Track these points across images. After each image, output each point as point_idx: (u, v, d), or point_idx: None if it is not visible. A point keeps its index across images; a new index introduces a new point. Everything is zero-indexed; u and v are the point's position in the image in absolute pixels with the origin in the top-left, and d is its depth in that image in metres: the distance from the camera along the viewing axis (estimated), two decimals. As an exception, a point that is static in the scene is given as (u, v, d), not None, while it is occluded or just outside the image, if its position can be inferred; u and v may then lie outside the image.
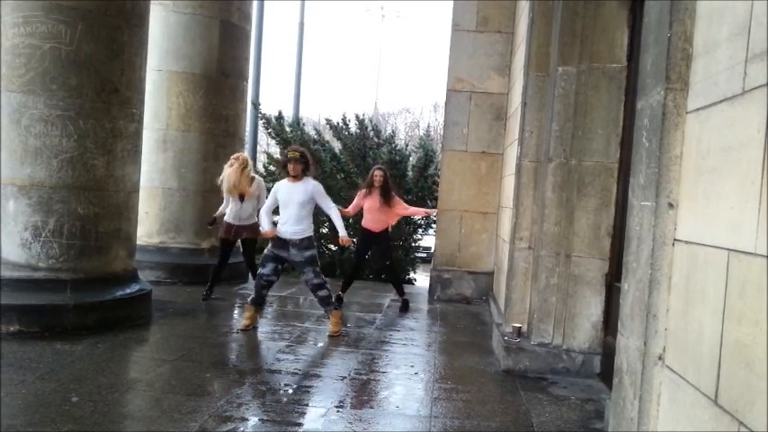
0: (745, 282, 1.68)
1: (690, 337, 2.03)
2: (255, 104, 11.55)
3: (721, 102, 1.92)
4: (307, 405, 3.68)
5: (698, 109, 2.12)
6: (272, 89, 48.39)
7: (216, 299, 6.55)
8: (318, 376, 4.23)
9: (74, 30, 4.81)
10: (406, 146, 11.95)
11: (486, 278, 7.68)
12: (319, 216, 7.80)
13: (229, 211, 6.41)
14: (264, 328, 5.49)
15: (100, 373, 3.91)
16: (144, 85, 5.57)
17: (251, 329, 5.34)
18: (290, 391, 3.91)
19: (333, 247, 10.13)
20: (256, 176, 6.63)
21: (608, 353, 3.93)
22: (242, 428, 3.20)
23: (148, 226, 7.45)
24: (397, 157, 10.27)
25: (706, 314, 1.92)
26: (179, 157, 7.53)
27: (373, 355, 4.86)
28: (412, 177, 10.43)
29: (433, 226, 9.48)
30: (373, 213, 6.52)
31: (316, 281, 5.31)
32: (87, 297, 4.92)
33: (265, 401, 3.69)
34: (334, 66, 64.08)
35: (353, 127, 10.59)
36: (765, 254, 1.58)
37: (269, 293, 5.62)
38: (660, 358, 2.25)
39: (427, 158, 10.55)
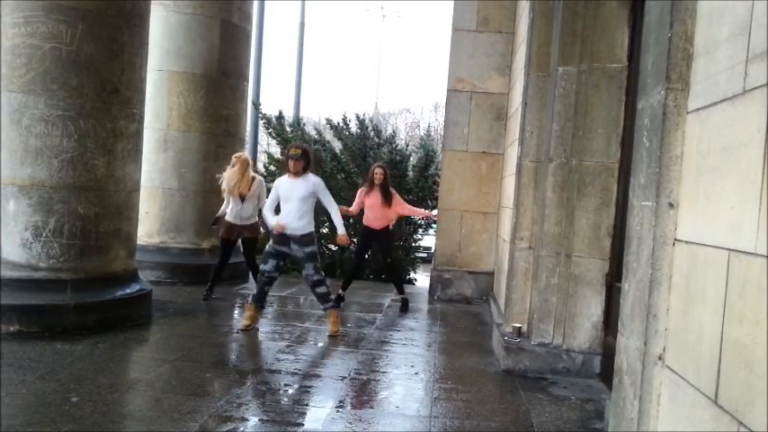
0: (746, 282, 1.68)
1: (690, 337, 2.03)
2: (256, 104, 11.56)
3: (722, 102, 1.92)
4: (307, 405, 3.68)
5: (698, 109, 2.12)
6: (273, 89, 48.35)
7: (216, 299, 6.55)
8: (318, 376, 4.23)
9: (74, 30, 4.81)
10: (407, 146, 11.94)
11: (487, 278, 7.68)
12: (319, 216, 7.80)
13: (230, 210, 6.42)
14: (264, 328, 5.49)
15: (100, 373, 3.91)
16: (144, 85, 5.57)
17: (251, 329, 5.34)
18: (291, 391, 3.91)
19: (333, 248, 10.13)
20: (256, 176, 6.64)
21: (608, 353, 3.93)
22: (242, 428, 3.20)
23: (149, 226, 7.45)
24: (398, 157, 10.27)
25: (706, 314, 1.92)
26: (179, 157, 7.53)
27: (373, 355, 4.86)
28: (412, 177, 10.43)
29: (434, 226, 9.48)
30: (374, 210, 6.54)
31: (315, 277, 5.31)
32: (87, 297, 4.92)
33: (265, 401, 3.69)
34: (335, 66, 64.12)
35: (354, 127, 10.59)
36: (765, 254, 1.58)
37: (269, 293, 5.62)
38: (660, 358, 2.25)
39: (428, 158, 10.55)
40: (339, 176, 9.83)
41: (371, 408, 3.71)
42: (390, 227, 6.91)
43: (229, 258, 6.66)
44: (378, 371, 4.46)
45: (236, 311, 6.34)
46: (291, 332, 5.40)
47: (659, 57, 2.35)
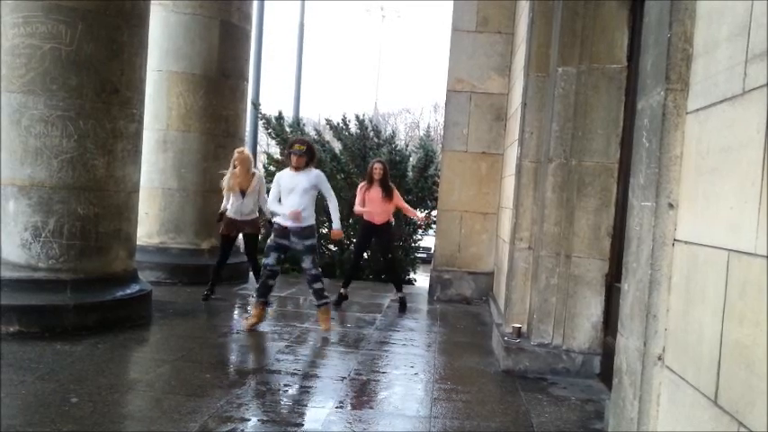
0: (746, 282, 1.68)
1: (690, 338, 2.03)
2: (255, 105, 11.55)
3: (721, 102, 1.92)
4: (307, 405, 3.68)
5: (698, 109, 2.12)
6: (272, 89, 48.45)
7: (216, 299, 6.54)
8: (318, 377, 4.23)
9: (74, 30, 4.81)
10: (407, 146, 11.94)
11: (486, 278, 7.68)
12: (319, 216, 7.80)
13: (230, 206, 6.42)
14: (264, 328, 5.48)
15: (100, 373, 3.91)
16: (144, 86, 5.57)
17: (257, 326, 5.36)
18: (290, 391, 3.91)
19: (333, 247, 10.14)
20: (256, 171, 6.66)
21: (608, 353, 3.93)
22: (242, 428, 3.20)
23: (148, 226, 7.44)
24: (398, 158, 10.27)
25: (706, 315, 1.92)
26: (179, 158, 7.52)
27: (373, 355, 4.85)
28: (412, 178, 10.43)
29: (433, 226, 9.48)
30: (375, 205, 6.56)
31: (313, 271, 5.37)
32: (87, 297, 4.92)
33: (265, 402, 3.69)
34: (334, 66, 64.16)
35: (353, 127, 10.59)
36: (765, 254, 1.58)
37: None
38: (660, 359, 2.25)
39: (427, 159, 10.55)
40: (339, 177, 9.83)
41: (371, 408, 3.71)
42: (391, 222, 6.91)
43: (229, 256, 6.65)
44: (377, 371, 4.46)
45: (235, 312, 6.34)
46: (291, 332, 5.40)
47: (659, 57, 2.35)
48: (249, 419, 3.35)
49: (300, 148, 5.26)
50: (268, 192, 6.27)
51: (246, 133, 9.78)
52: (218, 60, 7.63)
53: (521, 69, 5.76)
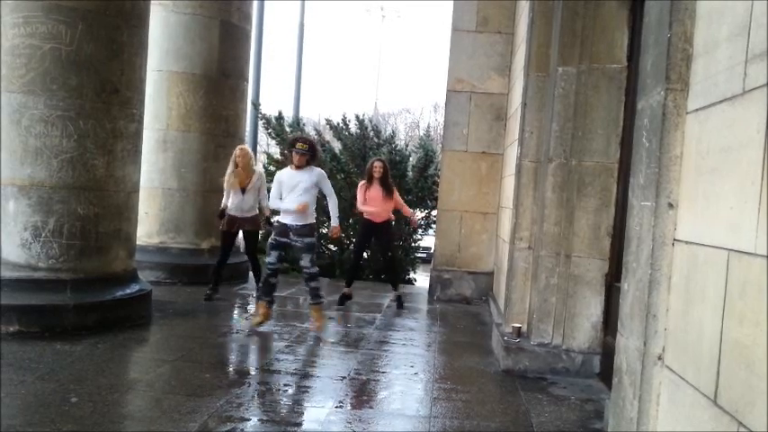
0: (746, 282, 1.68)
1: (690, 338, 2.03)
2: (255, 105, 11.56)
3: (721, 102, 1.92)
4: (306, 405, 3.68)
5: (698, 109, 2.12)
6: (272, 89, 48.43)
7: (216, 299, 6.54)
8: (318, 376, 4.23)
9: (74, 30, 4.81)
10: (406, 146, 11.94)
11: (486, 278, 7.68)
12: (319, 217, 7.80)
13: (231, 203, 6.43)
14: (264, 328, 5.48)
15: (100, 373, 3.91)
16: (144, 86, 5.57)
17: (263, 324, 5.39)
18: (290, 391, 3.91)
19: (332, 247, 10.14)
20: (257, 168, 6.66)
21: (608, 353, 3.93)
22: (242, 428, 3.20)
23: (148, 226, 7.44)
24: (397, 158, 10.27)
25: (706, 314, 1.92)
26: (179, 158, 7.52)
27: (373, 355, 4.86)
28: (412, 178, 10.43)
29: (433, 226, 9.48)
30: (375, 204, 6.56)
31: (311, 270, 5.39)
32: (87, 297, 4.92)
33: (265, 401, 3.69)
34: (334, 66, 64.15)
35: (353, 127, 10.59)
36: (765, 254, 1.58)
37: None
38: (660, 358, 2.25)
39: (427, 159, 10.55)
40: (339, 176, 9.83)
41: (371, 408, 3.71)
42: (392, 221, 6.91)
43: (229, 256, 6.65)
44: (377, 371, 4.46)
45: (235, 312, 6.34)
46: (291, 332, 5.40)
47: (659, 57, 2.35)
48: (249, 419, 3.35)
49: (303, 147, 5.27)
50: (268, 190, 6.29)
51: (246, 133, 9.78)
52: (219, 60, 7.62)
53: (521, 69, 5.77)
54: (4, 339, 4.44)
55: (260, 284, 5.69)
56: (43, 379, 3.72)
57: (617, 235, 4.15)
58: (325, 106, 51.23)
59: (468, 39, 7.64)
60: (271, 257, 5.39)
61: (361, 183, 6.72)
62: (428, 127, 19.35)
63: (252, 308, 6.41)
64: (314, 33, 64.64)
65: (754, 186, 1.66)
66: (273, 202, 5.43)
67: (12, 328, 4.57)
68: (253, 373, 4.30)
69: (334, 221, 5.67)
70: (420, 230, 11.00)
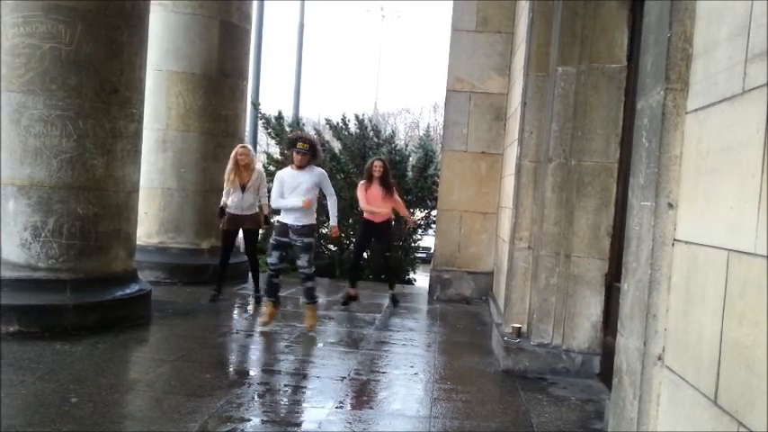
0: (746, 282, 1.68)
1: (690, 338, 2.03)
2: (255, 104, 11.56)
3: (721, 102, 1.92)
4: (306, 405, 3.68)
5: (697, 109, 2.12)
6: (272, 89, 48.42)
7: (220, 300, 6.52)
8: (318, 377, 4.23)
9: (73, 30, 4.81)
10: (406, 146, 11.94)
11: (486, 278, 7.68)
12: (319, 217, 7.80)
13: (230, 202, 6.43)
14: (264, 328, 5.48)
15: (100, 373, 3.91)
16: (144, 86, 5.57)
17: (269, 323, 5.43)
18: (290, 391, 3.91)
19: (332, 247, 10.13)
20: (256, 167, 6.67)
21: (608, 353, 3.93)
22: (242, 429, 3.20)
23: (148, 226, 7.44)
24: (397, 158, 10.27)
25: (706, 314, 1.92)
26: (178, 158, 7.52)
27: (373, 355, 4.85)
28: (412, 178, 10.43)
29: (433, 226, 9.47)
30: (375, 204, 6.56)
31: (307, 270, 5.41)
32: (87, 297, 4.92)
33: (265, 402, 3.69)
34: (334, 66, 64.15)
35: (353, 127, 10.59)
36: (765, 254, 1.58)
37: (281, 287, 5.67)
38: (660, 358, 2.25)
39: (427, 159, 10.55)
40: (338, 177, 9.83)
41: (371, 408, 3.71)
42: (392, 220, 6.92)
43: (231, 255, 6.65)
44: (377, 371, 4.46)
45: (235, 312, 6.33)
46: (291, 332, 5.40)
47: (658, 57, 2.35)
48: (249, 419, 3.35)
49: (303, 146, 5.27)
50: (268, 189, 6.29)
51: (246, 133, 9.77)
52: (218, 60, 7.62)
53: (520, 69, 5.76)
54: (4, 339, 4.44)
55: (264, 285, 5.70)
56: (43, 379, 3.72)
57: (617, 235, 4.15)
58: (325, 106, 51.26)
59: (468, 38, 7.64)
60: (272, 258, 5.40)
61: (361, 183, 6.71)
62: (428, 127, 19.37)
63: (251, 308, 6.41)
64: (314, 33, 64.69)
65: (754, 186, 1.66)
66: (275, 202, 5.43)
67: (12, 328, 4.57)
68: (253, 373, 4.30)
69: (333, 221, 5.70)
70: (420, 230, 10.99)
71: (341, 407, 3.66)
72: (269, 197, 5.99)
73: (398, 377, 4.31)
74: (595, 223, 4.31)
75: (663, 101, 2.25)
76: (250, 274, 6.90)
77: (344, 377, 4.22)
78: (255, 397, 3.73)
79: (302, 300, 5.64)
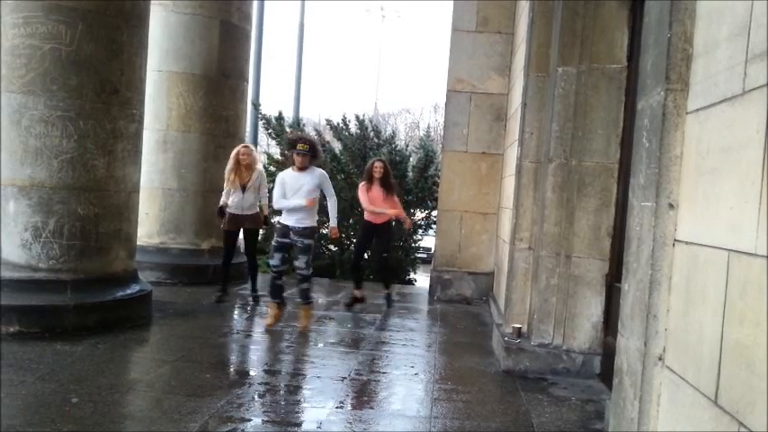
0: (746, 282, 1.68)
1: (690, 338, 2.03)
2: (256, 105, 11.56)
3: (721, 102, 1.92)
4: (307, 406, 3.68)
5: (698, 109, 2.12)
6: (272, 89, 48.38)
7: (225, 300, 6.52)
8: (318, 377, 4.23)
9: (74, 30, 4.81)
10: (407, 146, 11.94)
11: (487, 279, 7.68)
12: (319, 218, 7.81)
13: (231, 201, 6.43)
14: (264, 328, 5.48)
15: (100, 373, 3.91)
16: (144, 86, 5.57)
17: (274, 325, 5.45)
18: (291, 391, 3.91)
19: (333, 248, 10.13)
20: (257, 167, 6.67)
21: (608, 353, 3.93)
22: (242, 429, 3.20)
23: (148, 226, 7.44)
24: (398, 158, 10.27)
25: (706, 315, 1.92)
26: (179, 158, 7.52)
27: (373, 355, 4.86)
28: (412, 178, 10.42)
29: (433, 226, 9.47)
30: (376, 204, 6.56)
31: (304, 272, 5.45)
32: (88, 298, 4.92)
33: (265, 402, 3.69)
34: (334, 66, 64.18)
35: (353, 127, 10.59)
36: (766, 254, 1.58)
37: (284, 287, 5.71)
38: (660, 359, 2.25)
39: (427, 159, 10.55)
40: (339, 177, 9.83)
41: (371, 408, 3.71)
42: (392, 221, 6.92)
43: (233, 255, 6.64)
44: (378, 371, 4.46)
45: (235, 312, 6.33)
46: (291, 332, 5.40)
47: (659, 57, 2.35)
48: (250, 420, 3.35)
49: (304, 147, 5.28)
50: (269, 189, 6.29)
51: (246, 133, 9.77)
52: (218, 60, 7.62)
53: (521, 69, 5.76)
54: (5, 340, 4.44)
55: (268, 288, 5.70)
56: (43, 379, 3.72)
57: (617, 235, 4.15)
58: (325, 106, 51.26)
59: (468, 39, 7.64)
60: (274, 260, 5.43)
61: (362, 184, 6.71)
62: (428, 127, 19.35)
63: (249, 308, 6.41)
64: (314, 33, 64.70)
65: (755, 186, 1.66)
66: (278, 203, 5.43)
67: (12, 329, 4.57)
68: (253, 373, 4.30)
69: (333, 222, 5.71)
70: (420, 231, 10.99)
71: (341, 407, 3.66)
72: (269, 197, 6.00)
73: (399, 377, 4.31)
74: (596, 224, 4.31)
75: (663, 101, 2.25)
76: (250, 272, 6.90)
77: (345, 377, 4.22)
78: (256, 397, 3.74)
79: (298, 300, 5.66)
